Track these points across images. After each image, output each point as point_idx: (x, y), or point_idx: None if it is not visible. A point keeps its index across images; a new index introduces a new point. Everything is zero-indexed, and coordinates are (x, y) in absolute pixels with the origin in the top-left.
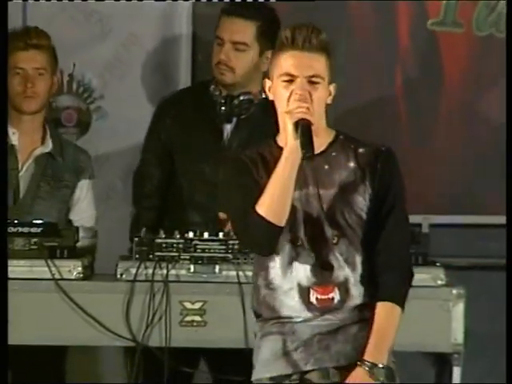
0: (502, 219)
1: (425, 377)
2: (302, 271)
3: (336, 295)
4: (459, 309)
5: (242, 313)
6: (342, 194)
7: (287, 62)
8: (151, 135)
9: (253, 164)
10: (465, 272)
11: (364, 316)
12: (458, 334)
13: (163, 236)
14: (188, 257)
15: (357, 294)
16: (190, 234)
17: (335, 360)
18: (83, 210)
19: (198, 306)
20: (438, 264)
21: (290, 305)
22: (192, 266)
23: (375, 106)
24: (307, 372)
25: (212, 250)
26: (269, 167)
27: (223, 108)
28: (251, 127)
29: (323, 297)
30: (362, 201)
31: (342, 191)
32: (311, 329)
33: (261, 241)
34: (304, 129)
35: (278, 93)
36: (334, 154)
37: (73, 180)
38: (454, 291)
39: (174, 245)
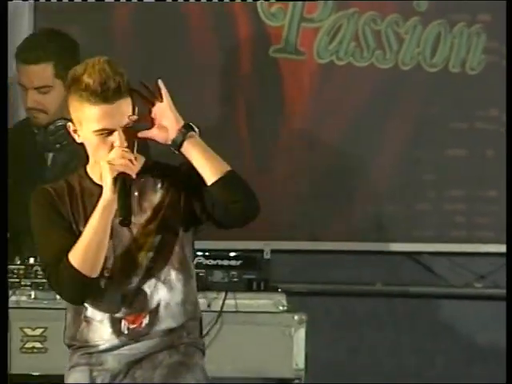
0: (341, 245)
1: None
2: (113, 302)
3: (145, 320)
4: (300, 334)
5: None
6: (155, 216)
7: (98, 116)
8: None
9: (58, 195)
10: (305, 298)
11: (173, 342)
12: (299, 359)
13: None
14: (29, 283)
15: (169, 315)
16: (31, 260)
17: None
18: None
19: (38, 332)
20: (279, 290)
21: (101, 333)
22: (33, 292)
23: (217, 132)
24: None
25: None
26: (76, 198)
27: (38, 138)
28: (71, 152)
29: (134, 326)
30: (175, 217)
31: (154, 214)
32: (118, 359)
33: (72, 292)
34: (122, 189)
35: (94, 144)
36: (142, 179)
37: None
38: (296, 317)
39: (15, 271)
